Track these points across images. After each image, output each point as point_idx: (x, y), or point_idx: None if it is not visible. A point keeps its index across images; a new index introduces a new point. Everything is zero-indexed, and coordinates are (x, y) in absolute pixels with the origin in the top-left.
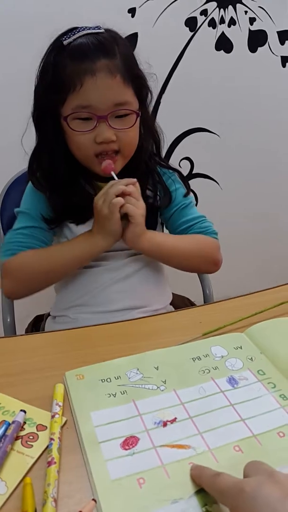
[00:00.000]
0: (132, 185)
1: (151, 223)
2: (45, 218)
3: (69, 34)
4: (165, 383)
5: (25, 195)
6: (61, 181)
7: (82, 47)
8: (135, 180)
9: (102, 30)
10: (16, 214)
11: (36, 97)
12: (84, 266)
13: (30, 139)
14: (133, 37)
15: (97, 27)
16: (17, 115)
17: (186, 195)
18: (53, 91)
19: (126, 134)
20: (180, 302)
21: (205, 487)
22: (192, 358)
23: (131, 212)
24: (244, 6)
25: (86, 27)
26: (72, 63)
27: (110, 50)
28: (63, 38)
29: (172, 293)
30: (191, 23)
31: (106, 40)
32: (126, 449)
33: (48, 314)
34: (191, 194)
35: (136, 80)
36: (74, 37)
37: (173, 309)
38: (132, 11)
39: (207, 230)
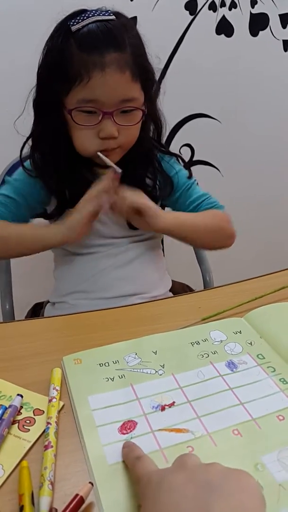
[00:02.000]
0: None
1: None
2: (45, 211)
3: (78, 18)
4: (163, 367)
5: (19, 173)
6: (62, 169)
7: (91, 36)
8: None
9: (112, 17)
10: (4, 181)
11: (38, 82)
12: (84, 252)
13: (24, 123)
14: (132, 21)
15: (107, 11)
16: (16, 99)
17: (189, 176)
18: (57, 80)
19: (128, 130)
20: (179, 289)
21: (128, 467)
22: (191, 343)
23: (130, 203)
24: None
25: (95, 12)
26: (80, 53)
27: (121, 41)
28: (71, 23)
29: (172, 280)
30: (191, 6)
31: (117, 29)
32: (124, 434)
33: (48, 301)
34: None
35: (144, 74)
36: (83, 23)
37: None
38: None
39: (215, 205)
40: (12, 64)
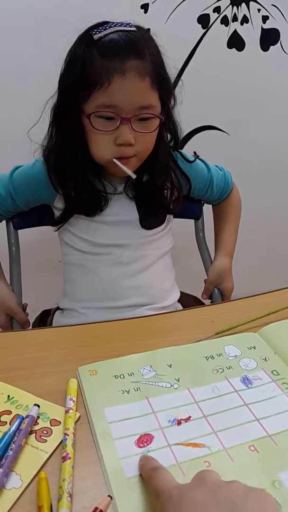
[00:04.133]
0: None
1: (159, 219)
2: (51, 215)
3: (100, 28)
4: (178, 381)
5: (25, 171)
6: (73, 177)
7: (112, 44)
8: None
9: (133, 28)
10: (11, 170)
11: (60, 89)
12: (95, 252)
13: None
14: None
15: (128, 24)
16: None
17: (208, 168)
18: (78, 86)
19: (144, 138)
20: (188, 300)
21: (144, 479)
22: (205, 357)
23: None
24: (257, 4)
25: (117, 23)
26: (101, 59)
27: (141, 50)
28: (93, 32)
29: (180, 292)
30: (203, 20)
31: (137, 39)
32: (141, 447)
33: (56, 309)
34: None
35: (162, 83)
36: (105, 32)
37: (181, 307)
38: (145, 7)
39: (228, 181)
40: (27, 73)
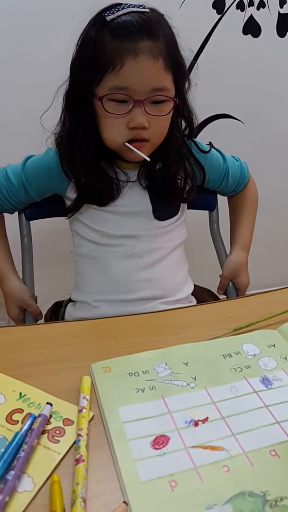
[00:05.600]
0: None
1: (172, 210)
2: (63, 207)
3: (113, 10)
4: (195, 380)
5: (37, 160)
6: (85, 164)
7: (125, 25)
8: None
9: (147, 10)
10: (23, 160)
11: (71, 73)
12: (107, 243)
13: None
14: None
15: (141, 5)
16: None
17: (223, 158)
18: (90, 68)
19: (158, 122)
20: (201, 293)
21: None
22: (223, 355)
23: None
24: None
25: (130, 5)
26: (113, 41)
27: (154, 31)
28: (106, 14)
29: (194, 285)
30: (218, 5)
31: (151, 20)
32: (156, 449)
33: (68, 301)
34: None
35: (176, 66)
36: (118, 13)
37: (195, 300)
38: None
39: (245, 172)
40: (39, 59)
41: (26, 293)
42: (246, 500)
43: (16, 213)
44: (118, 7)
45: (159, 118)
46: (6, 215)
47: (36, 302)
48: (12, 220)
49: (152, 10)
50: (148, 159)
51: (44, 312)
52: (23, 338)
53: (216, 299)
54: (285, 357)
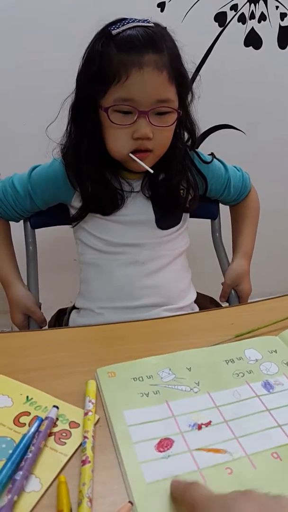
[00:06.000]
0: None
1: (175, 219)
2: (68, 215)
3: (118, 24)
4: (198, 385)
5: (43, 170)
6: (91, 174)
7: (131, 38)
8: None
9: (151, 24)
10: (29, 169)
11: (77, 85)
12: (110, 251)
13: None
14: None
15: (146, 20)
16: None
17: (225, 168)
18: (96, 80)
19: (162, 133)
20: (204, 301)
21: (178, 495)
22: (225, 361)
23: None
24: (275, 1)
25: (135, 19)
26: (119, 54)
27: (159, 45)
28: (112, 28)
29: (197, 292)
30: (220, 18)
31: (155, 34)
32: (161, 452)
33: (71, 308)
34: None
35: (179, 78)
36: (124, 28)
37: (197, 308)
38: (161, 5)
39: (246, 182)
40: (46, 72)
41: (31, 300)
42: None
43: (22, 221)
44: (123, 21)
45: (163, 129)
46: (11, 223)
47: (40, 309)
48: (17, 228)
49: (157, 24)
50: (152, 171)
51: (48, 319)
52: (28, 344)
53: (218, 306)
54: (287, 363)
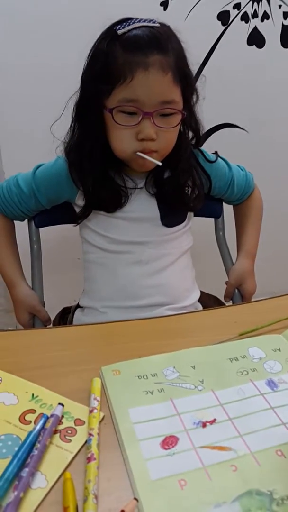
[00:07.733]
0: None
1: (180, 217)
2: (72, 214)
3: (124, 24)
4: (202, 383)
5: (47, 169)
6: (94, 173)
7: (136, 39)
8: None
9: (157, 24)
10: (33, 168)
11: (82, 84)
12: (115, 249)
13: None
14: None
15: (152, 20)
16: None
17: (229, 167)
18: (101, 80)
19: (166, 134)
20: (208, 300)
21: None
22: (229, 359)
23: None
24: (278, 0)
25: (141, 19)
26: (124, 54)
27: (164, 45)
28: (117, 27)
29: (200, 291)
30: (223, 17)
31: (161, 35)
32: (166, 449)
33: (76, 307)
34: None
35: (184, 79)
36: (129, 27)
37: (201, 307)
38: (164, 4)
39: (250, 182)
40: (51, 70)
41: (35, 299)
42: (253, 499)
43: (26, 220)
44: (129, 21)
45: (167, 130)
46: (16, 222)
47: (44, 307)
48: (22, 227)
49: (163, 25)
50: (160, 163)
51: (52, 318)
52: (33, 342)
53: (222, 306)
54: None
